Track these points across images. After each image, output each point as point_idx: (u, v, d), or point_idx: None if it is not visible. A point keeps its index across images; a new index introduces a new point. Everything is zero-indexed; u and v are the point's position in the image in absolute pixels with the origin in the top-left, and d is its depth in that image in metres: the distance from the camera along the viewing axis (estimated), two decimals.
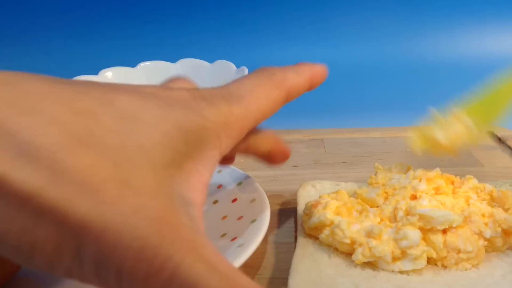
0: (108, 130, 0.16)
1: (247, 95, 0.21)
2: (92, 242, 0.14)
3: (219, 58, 0.52)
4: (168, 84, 0.22)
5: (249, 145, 0.26)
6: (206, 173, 0.18)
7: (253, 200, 0.31)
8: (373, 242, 0.25)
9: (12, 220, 0.14)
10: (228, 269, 0.15)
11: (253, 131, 0.25)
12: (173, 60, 0.54)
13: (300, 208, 0.32)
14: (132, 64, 0.53)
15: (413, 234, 0.25)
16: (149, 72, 0.53)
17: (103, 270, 0.14)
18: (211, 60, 0.53)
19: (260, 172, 0.39)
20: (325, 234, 0.27)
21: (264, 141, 0.27)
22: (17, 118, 0.14)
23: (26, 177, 0.14)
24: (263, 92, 0.22)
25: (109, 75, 0.51)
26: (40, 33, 0.90)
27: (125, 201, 0.14)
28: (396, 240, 0.25)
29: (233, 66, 0.50)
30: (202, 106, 0.19)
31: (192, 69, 0.53)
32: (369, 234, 0.26)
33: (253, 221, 0.28)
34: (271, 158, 0.27)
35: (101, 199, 0.14)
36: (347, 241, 0.26)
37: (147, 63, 0.54)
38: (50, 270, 0.15)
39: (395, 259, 0.25)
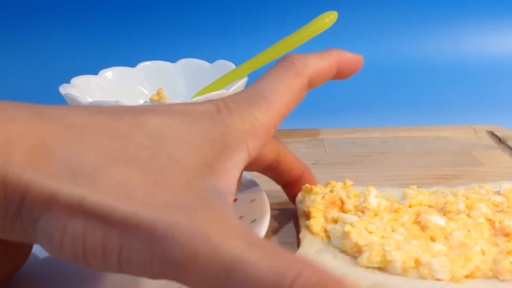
0: (140, 147, 0.18)
1: (268, 94, 0.22)
2: (132, 238, 0.16)
3: (219, 58, 0.52)
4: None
5: (280, 172, 0.30)
6: (236, 171, 0.20)
7: (253, 200, 0.31)
8: (390, 245, 0.24)
9: (64, 229, 0.16)
10: (265, 243, 0.16)
11: (285, 161, 0.30)
12: (173, 60, 0.54)
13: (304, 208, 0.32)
14: (132, 64, 0.53)
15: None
16: (149, 72, 0.53)
17: (147, 261, 0.16)
18: (211, 60, 0.53)
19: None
20: (337, 230, 0.27)
21: (294, 169, 0.31)
22: (64, 147, 0.17)
23: (71, 191, 0.16)
24: (284, 86, 0.22)
25: (109, 75, 0.51)
26: (40, 32, 0.90)
27: (157, 198, 0.16)
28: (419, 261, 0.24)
29: (233, 66, 0.50)
30: (226, 115, 0.20)
31: (192, 69, 0.53)
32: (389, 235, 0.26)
33: (253, 221, 0.28)
34: (297, 184, 0.32)
35: (133, 200, 0.16)
36: (361, 241, 0.25)
37: (147, 63, 0.54)
38: (104, 269, 0.17)
39: (406, 270, 0.24)
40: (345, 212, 0.29)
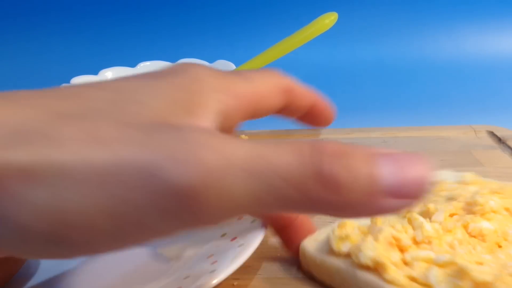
0: (98, 100, 0.15)
1: (245, 73, 0.21)
2: (124, 186, 0.13)
3: (219, 58, 0.52)
4: None
5: None
6: (213, 118, 0.17)
7: (253, 221, 0.30)
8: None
9: (37, 201, 0.13)
10: (270, 144, 0.15)
11: None
12: (173, 60, 0.54)
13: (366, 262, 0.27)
14: (132, 64, 0.53)
15: None
16: None
17: (151, 205, 0.14)
18: (211, 60, 0.53)
19: None
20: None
21: None
22: (9, 109, 0.14)
23: (21, 153, 0.13)
24: (268, 76, 0.21)
25: (109, 75, 0.51)
26: (41, 33, 0.90)
27: (132, 136, 0.14)
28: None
29: (233, 66, 0.50)
30: (199, 71, 0.18)
31: None
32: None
33: (253, 221, 0.28)
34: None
35: (107, 144, 0.14)
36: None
37: (147, 63, 0.54)
38: (106, 244, 0.14)
39: None
40: (403, 250, 0.25)
